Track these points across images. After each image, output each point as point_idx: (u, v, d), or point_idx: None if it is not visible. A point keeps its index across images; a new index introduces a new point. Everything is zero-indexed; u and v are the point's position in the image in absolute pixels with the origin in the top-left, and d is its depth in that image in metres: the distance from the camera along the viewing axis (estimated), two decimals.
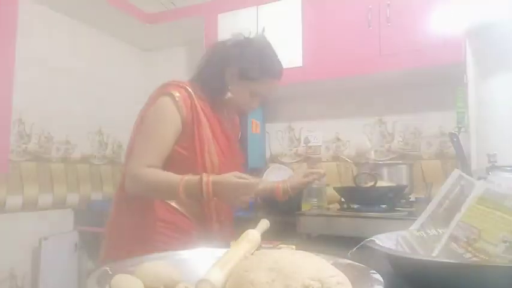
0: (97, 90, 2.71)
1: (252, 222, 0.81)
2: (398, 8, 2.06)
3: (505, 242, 0.59)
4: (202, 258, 0.67)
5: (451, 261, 0.61)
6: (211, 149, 1.16)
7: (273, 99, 2.71)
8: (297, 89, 2.51)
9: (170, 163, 1.13)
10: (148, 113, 1.15)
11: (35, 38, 2.34)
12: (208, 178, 1.02)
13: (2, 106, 2.08)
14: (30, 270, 2.27)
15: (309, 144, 2.64)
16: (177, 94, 1.14)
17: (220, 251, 0.71)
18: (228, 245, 0.74)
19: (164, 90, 1.16)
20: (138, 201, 1.15)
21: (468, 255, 0.62)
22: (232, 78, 1.21)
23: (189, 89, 1.17)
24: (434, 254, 0.67)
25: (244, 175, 1.04)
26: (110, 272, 0.54)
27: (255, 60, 1.19)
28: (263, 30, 1.37)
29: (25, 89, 2.23)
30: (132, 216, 1.16)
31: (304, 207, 1.98)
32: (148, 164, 1.09)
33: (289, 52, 2.30)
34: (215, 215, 1.20)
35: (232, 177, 1.02)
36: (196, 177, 1.03)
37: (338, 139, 2.58)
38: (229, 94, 1.24)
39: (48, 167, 2.41)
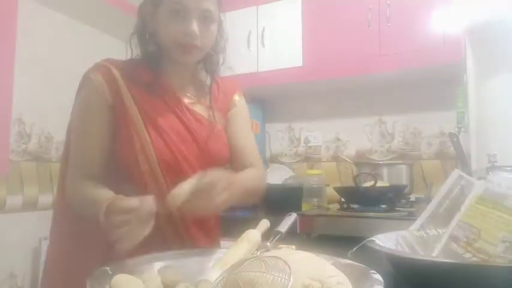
0: None
1: (252, 222, 0.81)
2: (398, 8, 2.06)
3: (504, 242, 0.59)
4: (202, 259, 0.67)
5: (451, 261, 0.61)
6: (145, 146, 0.90)
7: (273, 99, 2.71)
8: (297, 89, 2.51)
9: (116, 167, 0.93)
10: (74, 107, 0.98)
11: (35, 38, 2.34)
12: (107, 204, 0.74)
13: (2, 106, 2.08)
14: (30, 270, 2.27)
15: (309, 144, 2.64)
16: (99, 80, 0.93)
17: (220, 251, 0.71)
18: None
19: (85, 76, 0.97)
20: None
21: (468, 255, 0.62)
22: (151, 18, 0.95)
23: (114, 70, 0.94)
24: (434, 254, 0.67)
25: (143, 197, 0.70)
26: (110, 272, 0.54)
27: None
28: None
29: (25, 89, 2.23)
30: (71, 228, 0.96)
31: (304, 207, 1.98)
32: (84, 174, 0.90)
33: (289, 52, 2.31)
34: (171, 232, 0.91)
35: (124, 200, 0.73)
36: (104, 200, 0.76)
37: (338, 139, 2.58)
38: (152, 47, 0.96)
39: (48, 167, 2.41)
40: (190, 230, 0.94)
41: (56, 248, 0.99)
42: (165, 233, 0.89)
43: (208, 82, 1.06)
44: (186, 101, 1.00)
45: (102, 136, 0.92)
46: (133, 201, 0.69)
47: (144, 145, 0.90)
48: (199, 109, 1.01)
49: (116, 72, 0.94)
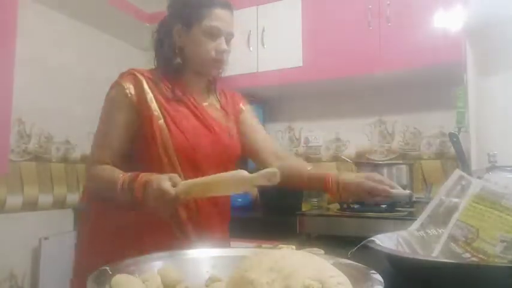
0: (97, 90, 2.70)
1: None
2: (398, 8, 2.06)
3: (503, 241, 0.59)
4: (202, 258, 0.67)
5: (451, 261, 0.61)
6: (167, 144, 1.04)
7: (273, 99, 2.71)
8: (297, 89, 2.51)
9: (134, 162, 1.05)
10: (102, 109, 1.10)
11: (35, 38, 2.34)
12: (142, 178, 0.90)
13: (2, 106, 2.07)
14: (30, 270, 2.27)
15: (309, 144, 2.64)
16: (127, 85, 1.06)
17: (220, 251, 0.71)
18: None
19: (115, 81, 1.10)
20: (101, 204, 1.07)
21: (467, 255, 0.62)
22: (182, 36, 1.11)
23: (140, 77, 1.08)
24: (434, 254, 0.67)
25: (177, 180, 0.86)
26: (110, 272, 0.54)
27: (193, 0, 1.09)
28: None
29: (25, 89, 2.23)
30: (103, 222, 1.08)
31: (304, 207, 1.98)
32: (101, 160, 1.03)
33: (289, 52, 2.31)
34: (186, 215, 1.05)
35: (164, 180, 0.86)
36: (133, 174, 0.92)
37: (338, 139, 2.58)
38: (178, 60, 1.10)
39: (48, 167, 2.41)
40: (203, 212, 1.07)
41: (90, 242, 1.11)
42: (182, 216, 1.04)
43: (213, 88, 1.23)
44: (202, 103, 1.15)
45: (123, 131, 1.05)
46: (170, 188, 0.84)
47: (164, 139, 1.04)
48: (213, 111, 1.17)
49: (142, 78, 1.08)
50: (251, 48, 2.38)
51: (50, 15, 2.45)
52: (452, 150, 1.82)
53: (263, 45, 2.36)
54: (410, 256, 0.69)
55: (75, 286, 1.12)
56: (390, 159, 2.39)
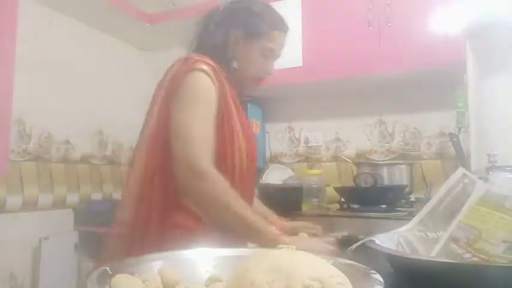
0: (97, 90, 2.71)
1: None
2: (398, 8, 2.06)
3: (505, 242, 0.59)
4: (202, 258, 0.67)
5: (451, 261, 0.61)
6: (240, 138, 1.02)
7: (273, 99, 2.71)
8: (297, 89, 2.51)
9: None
10: (185, 90, 0.97)
11: (35, 38, 2.34)
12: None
13: (2, 106, 2.07)
14: (30, 270, 2.27)
15: (309, 144, 2.64)
16: (209, 71, 0.99)
17: (220, 251, 0.71)
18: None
19: (191, 67, 0.99)
20: (161, 200, 0.97)
21: (468, 255, 0.62)
22: (238, 42, 1.07)
23: (216, 67, 1.01)
24: (433, 254, 0.67)
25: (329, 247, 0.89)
26: (110, 272, 0.54)
27: (262, 12, 1.07)
28: None
29: (25, 89, 2.23)
30: (150, 217, 0.98)
31: (304, 207, 1.98)
32: (211, 156, 0.93)
33: (289, 52, 2.29)
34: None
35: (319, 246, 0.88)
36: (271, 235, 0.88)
37: (338, 139, 2.58)
38: (234, 64, 1.07)
39: (48, 167, 2.41)
40: None
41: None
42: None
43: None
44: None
45: (212, 125, 0.97)
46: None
47: (240, 143, 1.02)
48: None
49: (221, 73, 1.02)
50: None
51: (50, 15, 2.45)
52: (452, 150, 1.83)
53: None
54: (410, 256, 0.69)
55: None
56: (390, 159, 2.39)
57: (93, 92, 2.69)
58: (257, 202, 1.24)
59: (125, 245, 0.99)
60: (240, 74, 1.10)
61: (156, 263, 0.62)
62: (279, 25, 1.10)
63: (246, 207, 0.92)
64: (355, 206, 1.87)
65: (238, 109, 1.07)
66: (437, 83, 2.23)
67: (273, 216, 1.20)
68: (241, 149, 1.01)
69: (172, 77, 1.02)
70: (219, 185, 0.91)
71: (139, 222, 0.98)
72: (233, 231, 0.91)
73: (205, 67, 0.99)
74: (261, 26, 1.07)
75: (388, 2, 2.07)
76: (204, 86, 0.98)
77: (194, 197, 0.93)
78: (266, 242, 0.85)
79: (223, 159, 0.98)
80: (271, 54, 1.10)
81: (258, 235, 0.88)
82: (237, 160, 1.00)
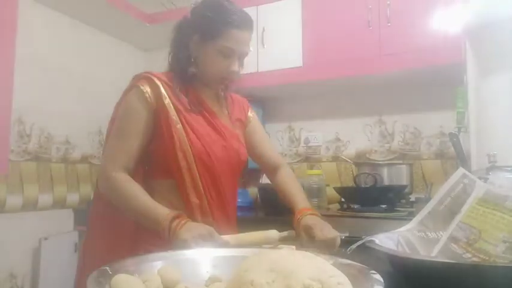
0: (97, 90, 2.71)
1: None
2: (398, 8, 2.06)
3: (505, 242, 0.59)
4: (202, 258, 0.67)
5: (451, 261, 0.61)
6: (184, 140, 1.07)
7: (273, 99, 2.72)
8: (297, 89, 2.51)
9: (152, 166, 1.11)
10: (119, 110, 1.11)
11: (35, 38, 2.34)
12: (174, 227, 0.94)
13: (2, 106, 2.07)
14: (30, 270, 2.27)
15: (309, 144, 2.64)
16: (146, 88, 1.08)
17: (220, 251, 0.71)
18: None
19: (133, 83, 1.11)
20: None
21: (468, 255, 0.62)
22: (197, 47, 1.12)
23: (157, 82, 1.09)
24: (433, 254, 0.67)
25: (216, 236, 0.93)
26: (110, 272, 0.54)
27: (217, 13, 1.09)
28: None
29: (25, 89, 2.23)
30: (109, 222, 1.12)
31: None
32: (121, 165, 1.04)
33: (289, 52, 2.31)
34: (200, 215, 1.09)
35: (204, 231, 0.93)
36: (175, 216, 0.96)
37: (338, 139, 2.58)
38: (193, 68, 1.13)
39: (48, 167, 2.41)
40: (214, 214, 1.12)
41: (96, 240, 1.15)
42: (196, 216, 1.08)
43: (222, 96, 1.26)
44: (213, 110, 1.17)
45: (141, 136, 1.07)
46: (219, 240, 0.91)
47: (182, 144, 1.07)
48: (222, 117, 1.20)
49: (159, 83, 1.10)
50: (251, 48, 2.37)
51: (50, 15, 2.45)
52: (452, 150, 1.82)
53: (263, 45, 2.37)
54: (410, 256, 0.69)
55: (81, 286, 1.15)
56: (390, 159, 2.39)
57: (93, 92, 2.69)
58: (295, 187, 1.25)
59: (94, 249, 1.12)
60: (203, 76, 1.14)
61: (156, 263, 0.62)
62: (237, 23, 1.09)
63: (144, 201, 1.02)
64: (355, 206, 1.87)
65: (194, 112, 1.12)
66: (437, 83, 2.23)
67: (302, 204, 1.17)
68: (185, 151, 1.07)
69: (121, 95, 1.15)
70: (121, 185, 1.03)
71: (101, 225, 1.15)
72: (139, 221, 1.04)
73: (141, 86, 1.08)
74: (215, 27, 1.09)
75: (388, 2, 2.07)
76: (132, 106, 1.08)
77: (107, 197, 1.07)
78: (161, 232, 0.96)
79: (167, 161, 1.08)
80: (232, 53, 1.11)
81: (156, 225, 0.97)
82: (182, 161, 1.07)
